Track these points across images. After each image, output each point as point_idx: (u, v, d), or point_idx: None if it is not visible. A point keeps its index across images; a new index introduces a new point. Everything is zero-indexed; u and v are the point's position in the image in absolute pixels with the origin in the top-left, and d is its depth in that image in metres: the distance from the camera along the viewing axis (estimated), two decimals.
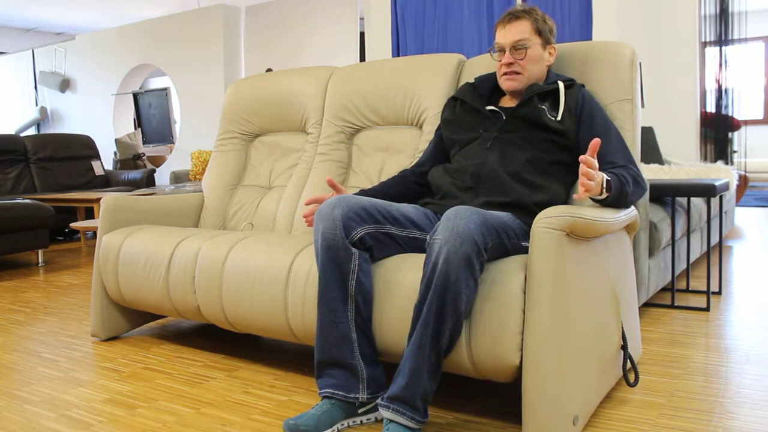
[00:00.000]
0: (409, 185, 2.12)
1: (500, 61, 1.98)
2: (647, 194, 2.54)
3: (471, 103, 2.05)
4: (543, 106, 1.92)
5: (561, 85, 1.95)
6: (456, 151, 2.05)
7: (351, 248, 1.70)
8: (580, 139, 1.91)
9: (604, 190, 1.67)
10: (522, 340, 1.55)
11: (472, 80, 2.17)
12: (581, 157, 1.57)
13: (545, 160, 1.90)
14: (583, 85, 1.99)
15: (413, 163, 2.20)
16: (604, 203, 1.73)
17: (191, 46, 7.32)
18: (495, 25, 2.01)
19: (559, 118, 1.90)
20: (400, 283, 1.72)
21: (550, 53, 2.00)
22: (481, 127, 2.00)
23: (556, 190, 1.88)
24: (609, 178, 1.69)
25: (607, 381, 1.78)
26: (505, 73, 1.98)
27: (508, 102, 2.04)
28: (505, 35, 1.96)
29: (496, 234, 1.61)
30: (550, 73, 2.02)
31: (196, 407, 1.90)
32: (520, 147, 1.91)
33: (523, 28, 1.95)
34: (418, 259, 1.74)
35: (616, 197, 1.72)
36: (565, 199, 1.93)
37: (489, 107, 2.02)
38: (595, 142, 1.60)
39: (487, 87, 2.09)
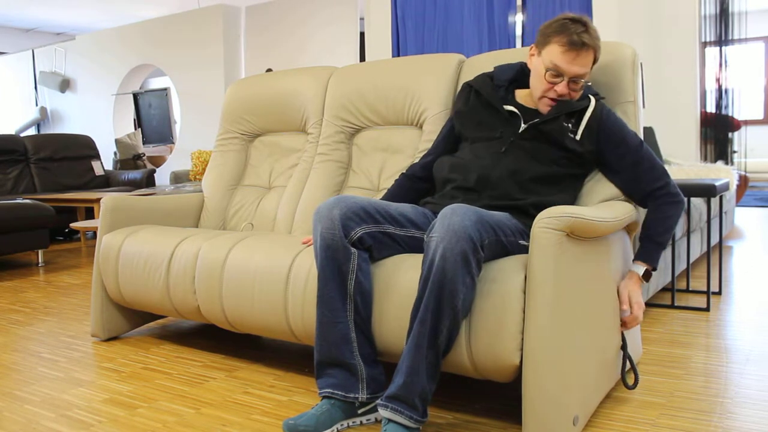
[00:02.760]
0: (418, 188, 2.12)
1: (551, 84, 1.84)
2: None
3: (487, 98, 1.98)
4: (567, 124, 1.86)
5: (592, 101, 1.87)
6: (466, 144, 2.00)
7: (350, 248, 1.70)
8: (606, 161, 1.90)
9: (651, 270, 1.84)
10: (522, 340, 1.55)
11: (472, 78, 2.11)
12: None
13: (558, 175, 1.87)
14: (603, 103, 1.93)
15: (421, 156, 2.17)
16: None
17: (191, 46, 7.32)
18: (553, 39, 1.82)
19: (578, 137, 1.85)
20: (399, 283, 1.72)
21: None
22: (499, 129, 1.93)
23: (563, 198, 1.87)
24: (649, 267, 1.84)
25: (607, 381, 1.78)
26: (552, 99, 1.86)
27: (526, 99, 1.96)
28: (572, 66, 1.80)
29: (492, 231, 1.60)
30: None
31: (196, 407, 1.90)
32: (535, 158, 1.86)
33: (589, 61, 1.83)
34: (417, 259, 1.74)
35: (663, 249, 1.87)
36: (572, 204, 1.90)
37: (507, 107, 1.94)
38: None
39: (507, 78, 2.00)
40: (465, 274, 1.51)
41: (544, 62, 1.84)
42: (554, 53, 1.81)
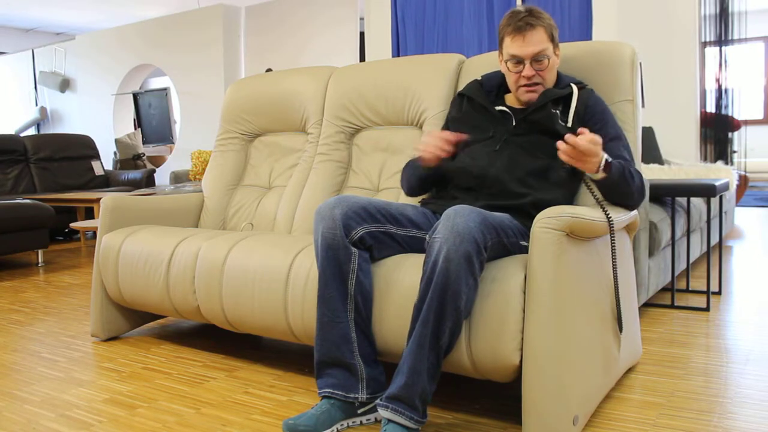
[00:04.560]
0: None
1: (517, 72, 1.90)
2: (647, 194, 2.54)
3: (479, 102, 2.02)
4: (556, 111, 1.90)
5: (575, 89, 1.91)
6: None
7: (351, 248, 1.70)
8: None
9: (601, 169, 1.70)
10: (522, 340, 1.55)
11: (473, 79, 2.15)
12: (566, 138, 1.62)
13: (553, 167, 1.88)
14: (591, 89, 1.97)
15: None
16: (604, 183, 1.74)
17: (191, 47, 7.32)
18: (505, 33, 1.90)
19: (569, 123, 1.88)
20: (399, 282, 1.72)
21: (557, 54, 1.94)
22: (491, 129, 1.97)
23: (562, 195, 1.87)
24: (609, 158, 1.71)
25: (607, 380, 1.78)
26: (525, 86, 1.91)
27: (515, 101, 2.00)
28: (524, 47, 1.86)
29: (495, 233, 1.61)
30: (561, 75, 1.99)
31: (196, 407, 1.90)
32: (530, 153, 1.88)
33: (541, 38, 1.86)
34: (418, 258, 1.74)
35: (619, 175, 1.74)
36: (570, 202, 1.91)
37: (498, 107, 1.99)
38: (583, 130, 1.64)
39: (494, 84, 2.06)
40: (468, 276, 1.51)
41: (503, 58, 1.93)
42: (507, 45, 1.91)
